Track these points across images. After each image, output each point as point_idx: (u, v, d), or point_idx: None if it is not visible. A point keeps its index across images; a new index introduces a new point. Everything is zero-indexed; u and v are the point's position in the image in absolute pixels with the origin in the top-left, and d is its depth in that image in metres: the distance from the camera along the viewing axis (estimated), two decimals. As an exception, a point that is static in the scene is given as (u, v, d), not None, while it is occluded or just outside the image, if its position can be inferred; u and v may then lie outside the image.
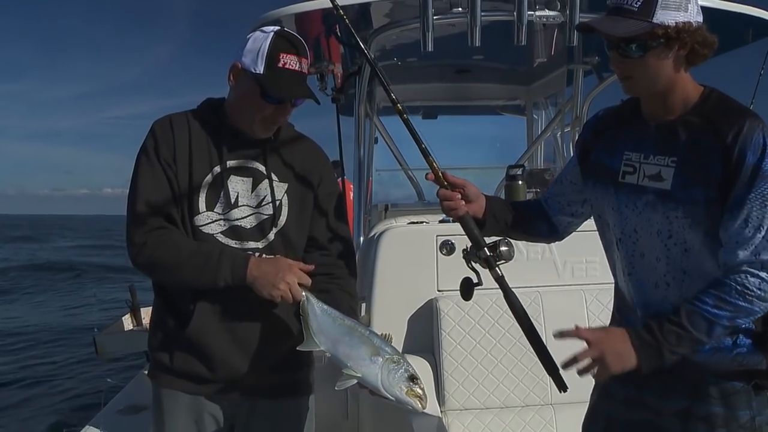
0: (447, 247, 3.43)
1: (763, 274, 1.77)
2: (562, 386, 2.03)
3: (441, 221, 3.70)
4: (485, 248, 2.15)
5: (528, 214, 2.35)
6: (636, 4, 1.79)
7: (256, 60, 2.09)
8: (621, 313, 2.15)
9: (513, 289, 2.18)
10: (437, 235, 3.48)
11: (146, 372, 2.41)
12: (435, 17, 3.30)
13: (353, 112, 4.74)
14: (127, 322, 4.16)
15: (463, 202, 2.16)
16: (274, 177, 2.21)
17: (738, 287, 1.78)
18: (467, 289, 2.25)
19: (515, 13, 3.31)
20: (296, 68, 2.11)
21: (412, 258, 3.49)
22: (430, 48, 3.35)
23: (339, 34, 4.06)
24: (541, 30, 3.99)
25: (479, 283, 2.22)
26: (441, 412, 3.25)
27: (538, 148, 5.87)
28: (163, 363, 2.22)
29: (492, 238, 2.22)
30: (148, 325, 4.31)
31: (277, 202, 2.21)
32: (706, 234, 1.84)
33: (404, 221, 3.94)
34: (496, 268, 2.16)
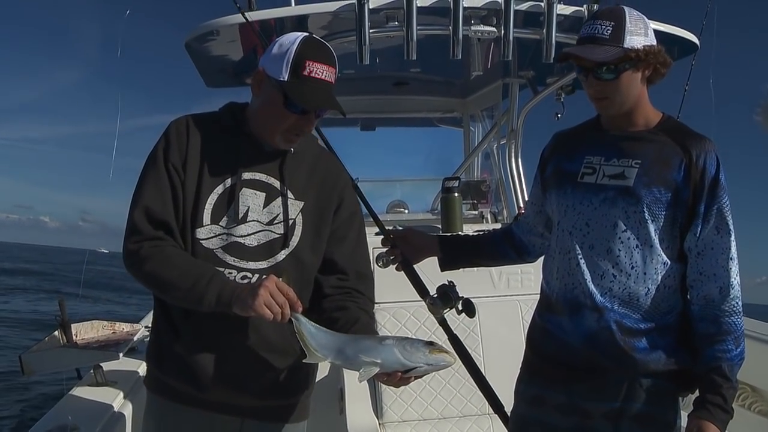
0: (383, 260, 3.45)
1: (737, 306, 1.99)
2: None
3: (377, 233, 3.71)
4: (428, 296, 2.48)
5: (490, 244, 2.54)
6: (607, 32, 1.99)
7: (280, 66, 1.98)
8: (543, 317, 2.20)
9: None
10: (374, 248, 3.48)
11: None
12: (371, 30, 3.32)
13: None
14: (57, 339, 4.02)
15: (401, 258, 2.52)
16: (289, 194, 2.08)
17: (732, 322, 1.98)
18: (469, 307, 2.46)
19: (450, 28, 3.36)
20: (322, 77, 2.00)
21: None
22: (366, 61, 3.37)
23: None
24: (477, 44, 4.05)
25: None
26: (379, 424, 3.25)
27: (475, 160, 5.94)
28: (155, 374, 2.12)
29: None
30: (78, 342, 4.22)
31: (291, 221, 2.07)
32: (654, 232, 1.99)
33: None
34: (441, 313, 2.49)
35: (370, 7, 3.28)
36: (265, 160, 2.08)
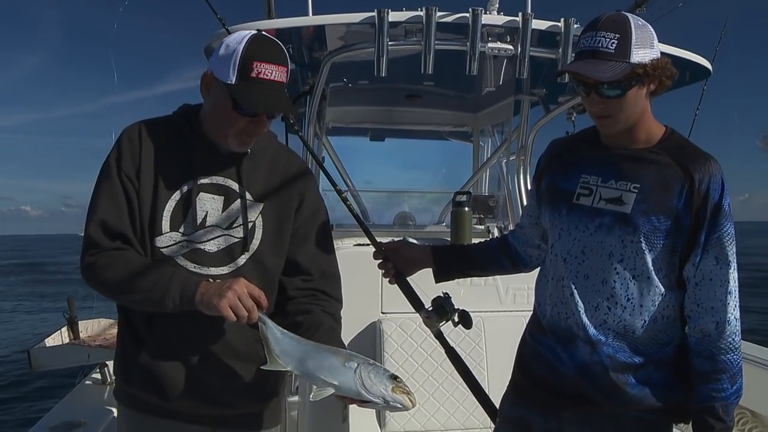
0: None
1: (734, 343, 1.90)
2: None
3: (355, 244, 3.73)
4: (423, 309, 2.44)
5: (484, 254, 2.45)
6: (612, 46, 1.81)
7: (227, 69, 1.90)
8: (535, 338, 2.15)
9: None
10: None
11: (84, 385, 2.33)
12: (390, 43, 3.35)
13: (301, 131, 4.74)
14: (64, 335, 4.07)
15: (393, 271, 2.42)
16: (248, 196, 2.04)
17: (728, 360, 1.89)
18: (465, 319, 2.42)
19: (468, 44, 3.39)
20: (272, 78, 1.91)
21: (357, 280, 3.50)
22: (384, 73, 3.39)
23: (292, 53, 4.08)
24: (491, 60, 4.08)
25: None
26: (381, 434, 3.26)
27: (483, 175, 5.97)
28: (122, 385, 2.10)
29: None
30: (84, 339, 4.27)
31: (250, 224, 2.03)
32: (653, 262, 1.90)
33: (349, 243, 3.96)
34: (437, 326, 2.44)
35: (390, 20, 3.31)
36: (221, 163, 2.04)
